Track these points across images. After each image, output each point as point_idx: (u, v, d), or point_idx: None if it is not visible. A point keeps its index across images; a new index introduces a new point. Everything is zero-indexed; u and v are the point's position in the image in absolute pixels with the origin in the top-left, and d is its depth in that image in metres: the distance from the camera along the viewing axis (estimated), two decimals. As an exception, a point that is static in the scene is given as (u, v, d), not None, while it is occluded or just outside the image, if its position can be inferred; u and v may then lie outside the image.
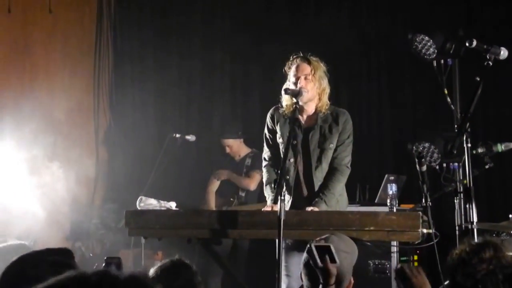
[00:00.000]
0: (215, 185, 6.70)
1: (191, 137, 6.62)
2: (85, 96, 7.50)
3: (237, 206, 6.50)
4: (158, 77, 7.60)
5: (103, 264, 3.25)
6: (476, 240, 3.73)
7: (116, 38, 7.77)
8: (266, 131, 4.72)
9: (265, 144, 4.74)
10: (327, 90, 4.56)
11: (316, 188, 4.47)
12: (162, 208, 4.60)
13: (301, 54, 4.58)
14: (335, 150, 4.52)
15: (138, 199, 4.64)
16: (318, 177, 4.48)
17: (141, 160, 7.26)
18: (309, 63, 4.51)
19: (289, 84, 4.53)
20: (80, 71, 7.45)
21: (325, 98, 4.55)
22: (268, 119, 4.70)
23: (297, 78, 4.49)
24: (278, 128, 4.62)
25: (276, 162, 4.53)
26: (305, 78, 4.48)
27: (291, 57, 4.59)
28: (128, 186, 6.81)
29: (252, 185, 6.55)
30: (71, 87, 7.24)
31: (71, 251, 2.69)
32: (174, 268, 2.95)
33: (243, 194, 6.59)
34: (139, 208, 4.58)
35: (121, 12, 7.79)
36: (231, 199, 6.58)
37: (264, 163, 4.71)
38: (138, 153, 7.38)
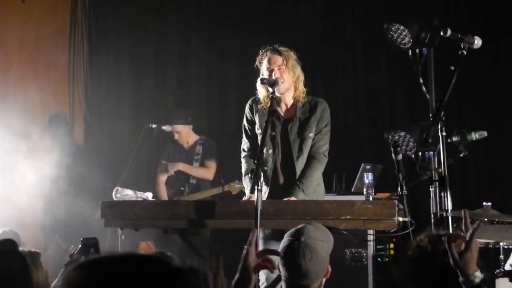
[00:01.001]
0: (164, 175, 6.61)
1: (167, 127, 6.59)
2: (60, 87, 7.42)
3: (190, 194, 6.44)
4: (133, 68, 7.55)
5: (79, 246, 3.24)
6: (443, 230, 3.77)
7: (91, 29, 7.69)
8: (244, 122, 4.71)
9: (243, 135, 4.72)
10: (302, 78, 4.57)
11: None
12: (139, 199, 4.59)
13: (269, 47, 4.56)
14: (313, 138, 4.53)
15: (114, 190, 4.62)
16: (300, 167, 4.50)
17: (117, 150, 7.21)
18: (280, 54, 4.51)
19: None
20: (54, 62, 7.35)
21: (301, 86, 4.56)
22: (246, 110, 4.69)
23: (271, 71, 4.48)
24: (257, 119, 4.61)
25: (255, 153, 4.51)
26: (279, 69, 4.48)
27: (261, 51, 4.57)
28: (104, 177, 6.75)
29: (211, 175, 6.52)
30: (45, 78, 7.16)
31: (14, 240, 2.77)
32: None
33: (194, 182, 6.53)
34: (115, 199, 4.57)
35: (95, 2, 7.71)
36: (182, 188, 6.53)
37: (242, 154, 4.70)
38: (114, 143, 7.33)
